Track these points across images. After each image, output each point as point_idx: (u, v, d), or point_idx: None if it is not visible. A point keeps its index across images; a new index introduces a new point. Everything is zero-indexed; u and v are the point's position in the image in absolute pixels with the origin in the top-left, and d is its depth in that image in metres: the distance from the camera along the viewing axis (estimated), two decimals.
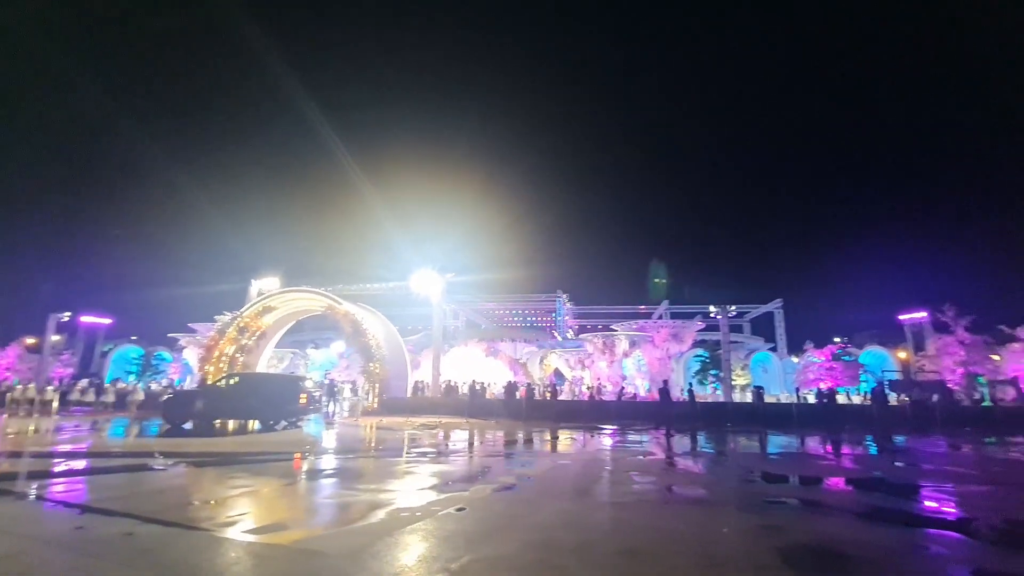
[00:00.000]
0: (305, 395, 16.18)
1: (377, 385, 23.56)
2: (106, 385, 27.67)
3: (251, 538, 4.62)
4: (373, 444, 12.65)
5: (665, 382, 19.40)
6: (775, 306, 62.85)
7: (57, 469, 8.66)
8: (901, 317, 47.77)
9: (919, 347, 42.02)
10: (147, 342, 47.06)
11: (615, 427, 17.83)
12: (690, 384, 23.99)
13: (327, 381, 24.26)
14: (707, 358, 43.00)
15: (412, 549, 4.37)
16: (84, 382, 28.30)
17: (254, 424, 16.02)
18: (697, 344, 45.43)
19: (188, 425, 15.03)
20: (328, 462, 9.56)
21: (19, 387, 22.87)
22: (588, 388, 37.62)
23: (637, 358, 42.76)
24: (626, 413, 21.43)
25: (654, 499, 6.63)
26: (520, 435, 15.09)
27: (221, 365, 24.39)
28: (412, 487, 7.21)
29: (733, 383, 34.97)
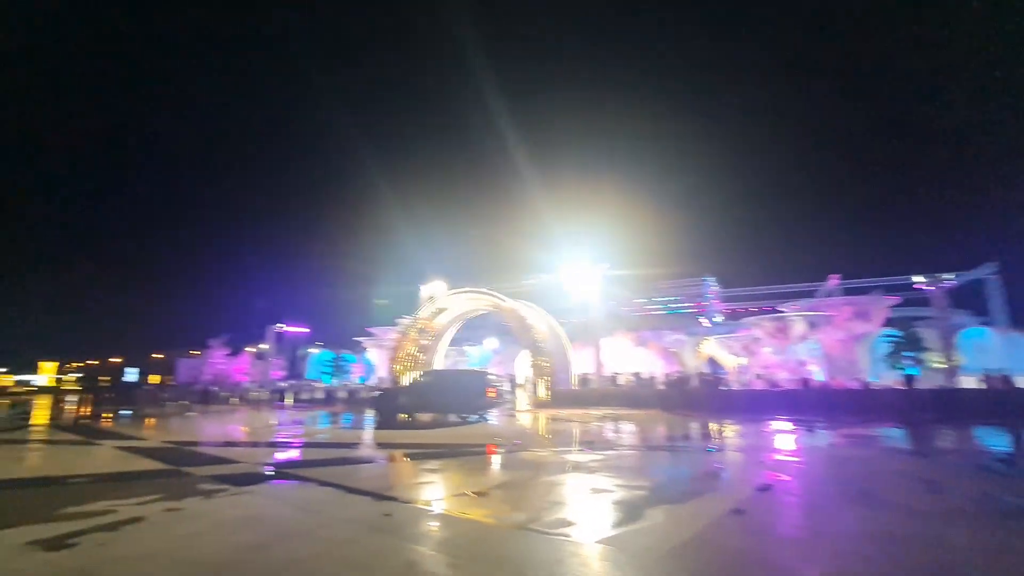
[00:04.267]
0: (493, 389, 17.13)
1: (548, 378, 24.18)
2: (322, 384, 32.50)
3: (555, 533, 4.81)
4: (578, 436, 12.82)
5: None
6: (986, 272, 51.54)
7: (324, 457, 10.14)
8: None
9: None
10: (335, 346, 54.45)
11: (818, 419, 15.95)
12: (904, 369, 20.63)
13: (508, 376, 25.53)
14: (900, 338, 36.95)
15: (728, 559, 4.17)
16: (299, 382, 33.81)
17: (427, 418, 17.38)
18: (886, 323, 39.26)
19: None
20: (554, 456, 9.85)
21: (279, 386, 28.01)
22: (759, 376, 34.58)
23: (810, 341, 38.29)
24: (823, 403, 19.09)
25: (970, 511, 5.62)
26: (722, 428, 14.22)
27: (406, 364, 27.06)
28: (655, 483, 7.06)
29: (936, 366, 29.39)
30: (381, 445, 11.59)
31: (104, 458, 9.87)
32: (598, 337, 29.95)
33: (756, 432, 13.18)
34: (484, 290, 26.65)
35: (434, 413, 18.08)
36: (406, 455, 10.05)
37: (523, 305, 26.67)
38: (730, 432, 13.39)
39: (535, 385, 25.42)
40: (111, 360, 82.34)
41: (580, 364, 32.63)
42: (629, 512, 5.39)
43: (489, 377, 18.04)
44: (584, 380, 27.97)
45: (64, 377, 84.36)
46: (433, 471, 8.32)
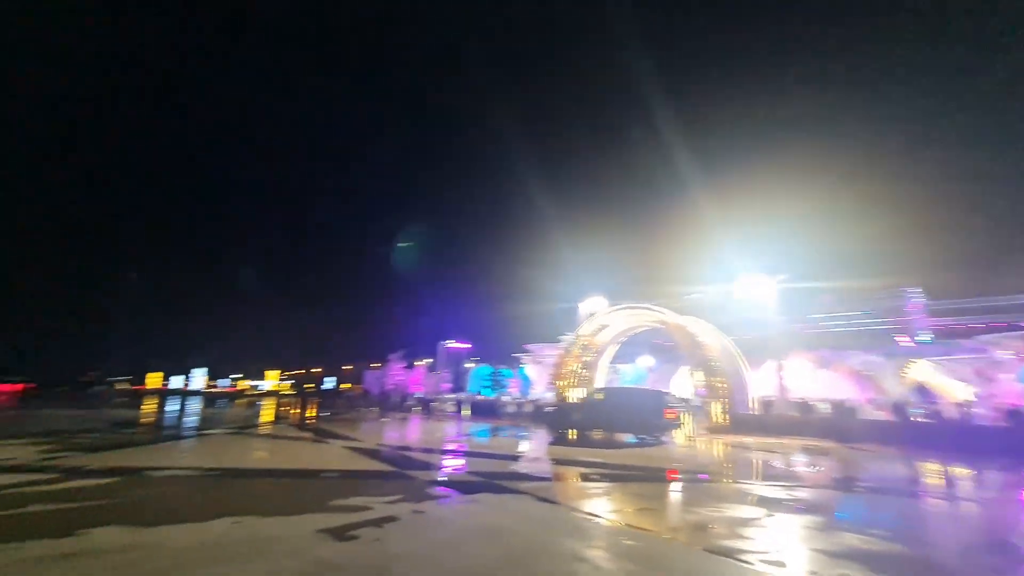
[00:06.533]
0: (671, 410, 16.11)
1: (725, 400, 22.16)
2: (485, 397, 34.33)
3: None
4: (793, 471, 11.30)
5: None
6: None
7: (524, 471, 10.29)
8: None
9: None
10: (493, 361, 57.31)
11: None
12: None
13: (684, 397, 24.16)
14: None
15: None
16: (463, 395, 36.18)
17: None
18: None
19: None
20: (780, 492, 8.72)
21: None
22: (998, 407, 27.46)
23: None
24: None
25: None
26: (996, 478, 11.39)
27: (569, 380, 27.08)
28: (946, 546, 5.70)
29: None
30: (572, 462, 11.47)
31: (339, 455, 11.34)
32: (775, 356, 26.76)
33: None
34: (648, 305, 25.57)
35: (607, 432, 17.61)
36: (605, 475, 9.76)
37: (692, 320, 24.95)
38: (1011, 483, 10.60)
39: (708, 408, 23.46)
40: (312, 370, 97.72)
41: (756, 386, 29.42)
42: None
43: (667, 397, 17.03)
44: (767, 404, 25.04)
45: (280, 383, 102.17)
46: (647, 496, 7.87)
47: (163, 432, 17.37)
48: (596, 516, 6.30)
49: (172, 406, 36.56)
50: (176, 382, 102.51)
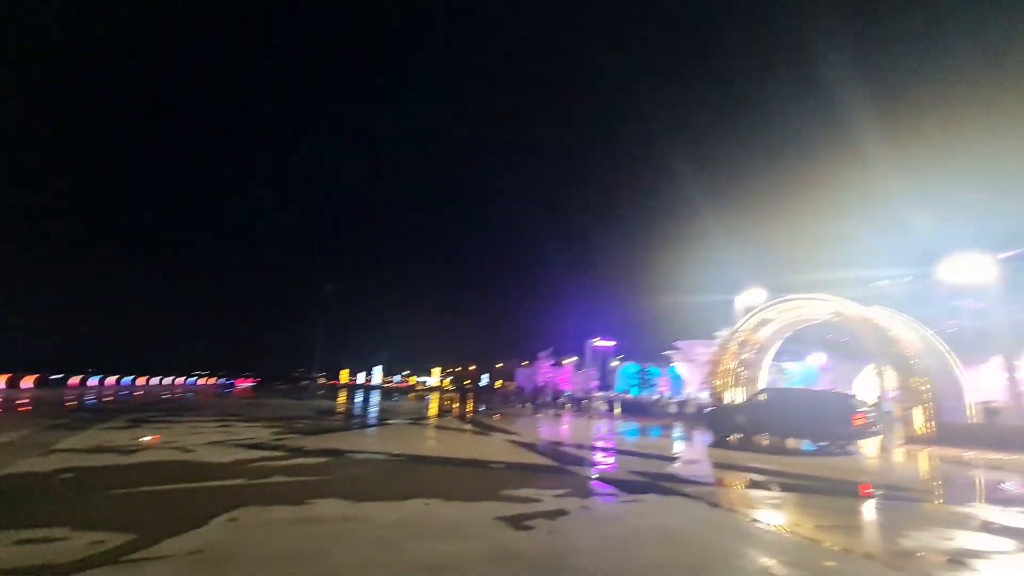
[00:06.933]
0: (860, 415, 14.08)
1: (928, 406, 18.61)
2: (632, 396, 33.63)
3: None
4: None
5: None
6: None
7: (688, 475, 9.88)
8: None
9: None
10: (639, 359, 55.54)
11: None
12: None
13: (871, 400, 21.09)
14: None
15: None
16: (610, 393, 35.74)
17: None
18: None
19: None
20: None
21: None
22: None
23: None
24: None
25: None
26: None
27: (726, 380, 25.17)
28: None
29: None
30: (740, 468, 10.72)
31: (502, 448, 12.13)
32: (1002, 352, 21.61)
33: None
34: (820, 296, 22.54)
35: (776, 437, 16.05)
36: (781, 484, 8.94)
37: (880, 311, 21.40)
38: None
39: (905, 414, 19.85)
40: (469, 367, 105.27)
41: (973, 389, 24.10)
42: None
43: (853, 401, 14.93)
44: (991, 411, 20.42)
45: (442, 380, 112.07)
46: (836, 511, 7.03)
47: (355, 421, 20.26)
48: (776, 528, 5.85)
49: (359, 398, 42.42)
50: (360, 377, 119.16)
